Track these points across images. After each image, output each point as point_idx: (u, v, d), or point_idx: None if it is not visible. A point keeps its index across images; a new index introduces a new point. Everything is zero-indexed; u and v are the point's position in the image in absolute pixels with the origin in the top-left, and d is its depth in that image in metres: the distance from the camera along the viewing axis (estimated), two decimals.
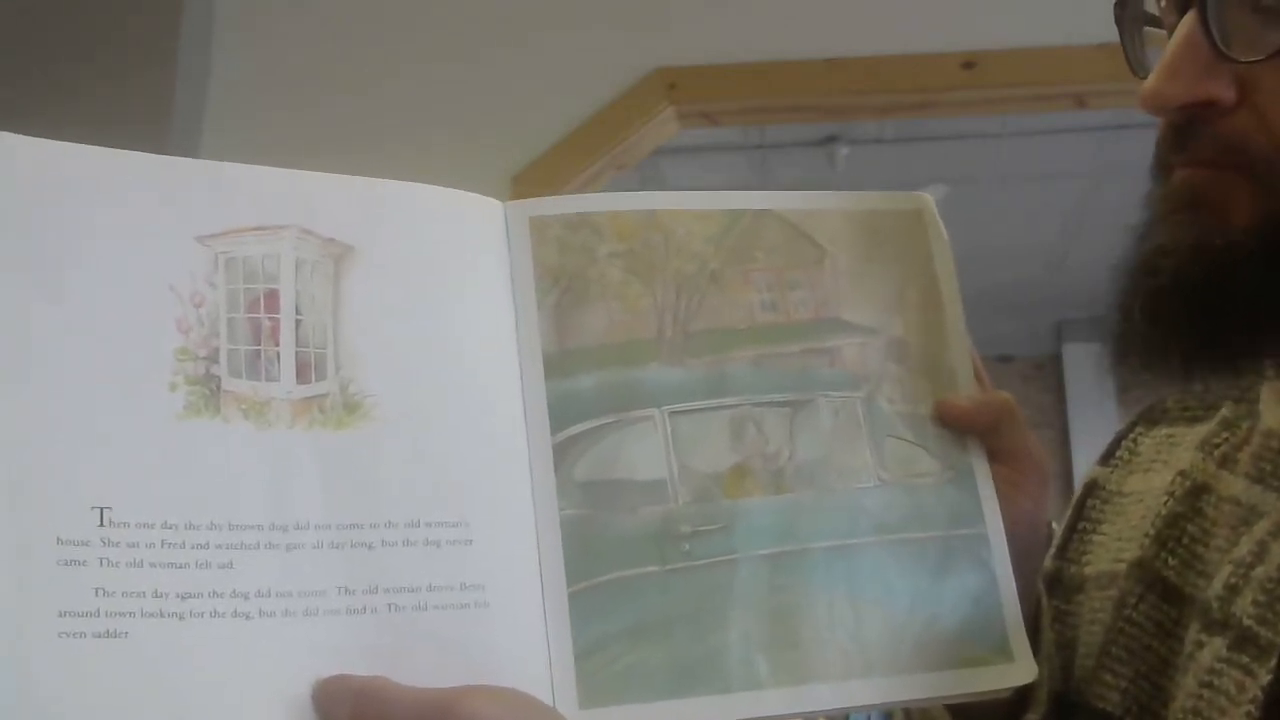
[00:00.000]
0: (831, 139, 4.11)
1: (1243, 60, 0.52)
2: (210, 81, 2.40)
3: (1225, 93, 0.53)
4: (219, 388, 0.53)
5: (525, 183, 2.37)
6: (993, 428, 0.64)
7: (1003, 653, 0.61)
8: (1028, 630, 0.62)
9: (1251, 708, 0.51)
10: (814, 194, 0.66)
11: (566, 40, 2.41)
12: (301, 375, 0.54)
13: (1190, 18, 0.53)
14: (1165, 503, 0.63)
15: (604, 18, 2.41)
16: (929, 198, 0.68)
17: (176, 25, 2.30)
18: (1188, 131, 0.54)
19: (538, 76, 2.40)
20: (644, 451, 0.59)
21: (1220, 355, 0.54)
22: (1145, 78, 0.55)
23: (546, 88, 2.40)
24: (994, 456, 0.64)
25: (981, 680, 0.60)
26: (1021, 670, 0.61)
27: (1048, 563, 0.69)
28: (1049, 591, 0.68)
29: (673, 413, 0.60)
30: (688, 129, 2.52)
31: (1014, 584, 0.62)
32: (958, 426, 0.64)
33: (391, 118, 2.39)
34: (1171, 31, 0.55)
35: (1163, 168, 0.57)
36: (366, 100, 2.38)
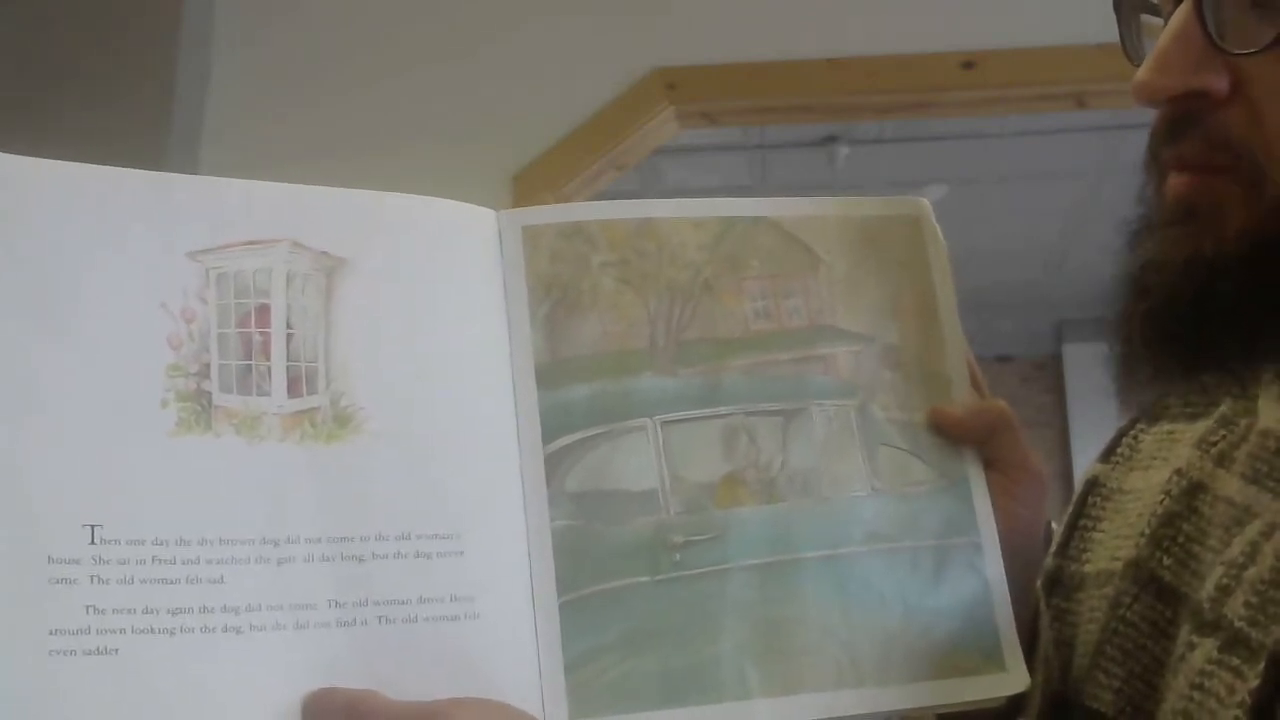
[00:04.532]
0: (831, 139, 4.11)
1: (1236, 53, 0.51)
2: (210, 82, 2.40)
3: (1218, 85, 0.52)
4: (210, 403, 0.53)
5: (525, 183, 2.37)
6: (988, 436, 0.64)
7: (995, 662, 0.61)
8: (1024, 637, 0.62)
9: (1240, 711, 0.50)
10: (810, 200, 0.66)
11: (565, 40, 2.41)
12: (293, 389, 0.54)
13: (1185, 7, 0.52)
14: (1162, 501, 0.63)
15: (603, 18, 2.41)
16: (926, 203, 0.68)
17: (176, 26, 2.30)
18: (1180, 125, 0.53)
19: (537, 77, 2.40)
20: (636, 462, 0.59)
21: (1220, 364, 0.54)
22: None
23: (546, 88, 2.40)
24: (990, 465, 0.64)
25: (973, 689, 0.60)
26: (1014, 679, 0.61)
27: (1048, 561, 0.69)
28: (1050, 590, 0.67)
29: (665, 423, 0.60)
30: (687, 129, 2.51)
31: (1008, 593, 0.62)
32: (952, 435, 0.64)
33: (391, 118, 2.38)
34: (1169, 20, 0.54)
35: (1154, 160, 0.56)
36: (367, 101, 2.37)
